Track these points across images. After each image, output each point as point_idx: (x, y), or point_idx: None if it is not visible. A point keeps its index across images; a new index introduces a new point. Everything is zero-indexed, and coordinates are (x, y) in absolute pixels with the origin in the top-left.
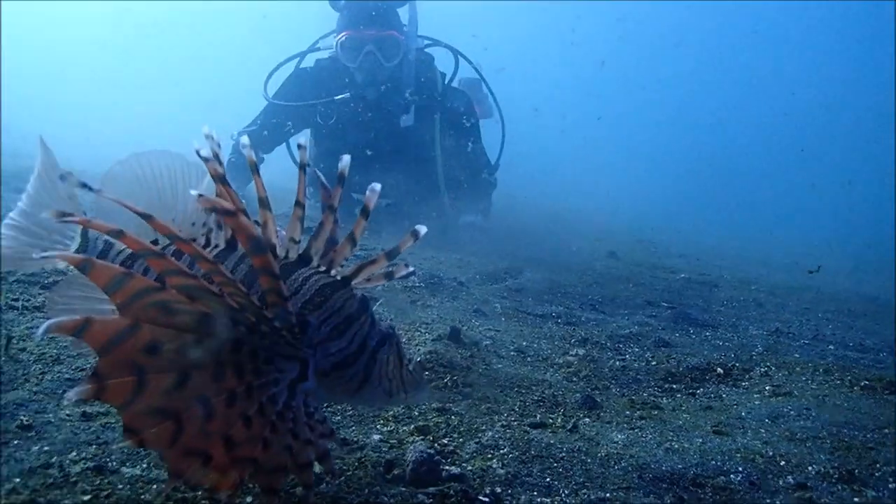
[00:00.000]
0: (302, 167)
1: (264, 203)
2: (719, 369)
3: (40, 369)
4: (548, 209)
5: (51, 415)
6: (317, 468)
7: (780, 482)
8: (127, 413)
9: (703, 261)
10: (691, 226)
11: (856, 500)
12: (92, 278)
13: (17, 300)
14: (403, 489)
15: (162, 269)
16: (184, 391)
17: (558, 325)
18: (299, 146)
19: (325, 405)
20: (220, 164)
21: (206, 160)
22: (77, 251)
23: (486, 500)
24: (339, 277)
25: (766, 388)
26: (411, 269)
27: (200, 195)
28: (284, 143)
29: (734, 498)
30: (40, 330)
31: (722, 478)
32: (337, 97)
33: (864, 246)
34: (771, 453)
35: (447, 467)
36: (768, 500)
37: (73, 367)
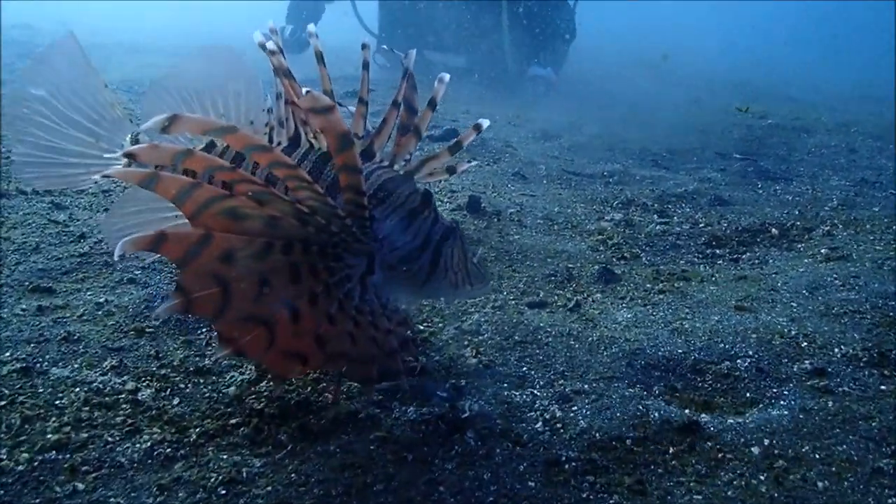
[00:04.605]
0: (365, 66)
1: (329, 95)
2: (774, 230)
3: (16, 259)
4: (639, 55)
5: (6, 310)
6: None
7: (795, 367)
8: (219, 323)
9: (803, 102)
10: (807, 64)
11: (882, 387)
12: (159, 192)
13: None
14: None
15: (232, 180)
16: (268, 296)
17: (606, 186)
18: (363, 46)
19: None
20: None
21: (271, 53)
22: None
23: (444, 395)
24: (402, 172)
25: (822, 250)
26: (474, 162)
27: (308, 91)
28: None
29: (736, 387)
30: (116, 250)
31: (727, 363)
32: None
33: None
34: (794, 332)
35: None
36: (774, 390)
37: (49, 257)
